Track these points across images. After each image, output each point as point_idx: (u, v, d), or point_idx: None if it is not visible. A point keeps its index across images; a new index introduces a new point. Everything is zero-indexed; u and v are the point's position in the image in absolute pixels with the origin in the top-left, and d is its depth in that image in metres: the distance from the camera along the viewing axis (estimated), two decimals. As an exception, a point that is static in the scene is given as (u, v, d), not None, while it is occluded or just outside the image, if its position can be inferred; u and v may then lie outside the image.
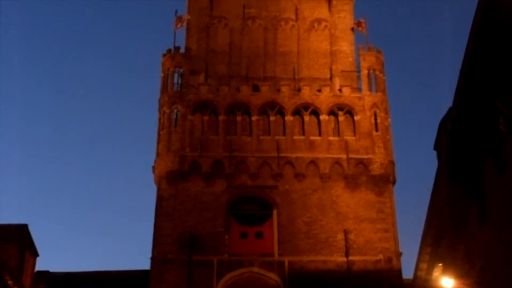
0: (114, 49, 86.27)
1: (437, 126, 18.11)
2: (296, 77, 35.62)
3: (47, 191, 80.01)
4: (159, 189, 32.63)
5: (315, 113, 33.86)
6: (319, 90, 34.45)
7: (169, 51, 35.49)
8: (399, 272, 30.79)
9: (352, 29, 37.06)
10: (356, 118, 33.65)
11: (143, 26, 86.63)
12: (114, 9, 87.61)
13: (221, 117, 33.71)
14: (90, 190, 79.77)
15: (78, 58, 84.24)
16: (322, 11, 37.69)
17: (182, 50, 35.57)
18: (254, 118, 33.75)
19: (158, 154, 33.28)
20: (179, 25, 35.86)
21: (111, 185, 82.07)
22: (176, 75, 35.00)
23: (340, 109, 33.86)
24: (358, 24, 36.43)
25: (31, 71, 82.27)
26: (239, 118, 33.80)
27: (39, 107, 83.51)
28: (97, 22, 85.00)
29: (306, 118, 33.78)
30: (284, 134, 33.49)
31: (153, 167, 33.20)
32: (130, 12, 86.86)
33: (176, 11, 36.51)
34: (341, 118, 33.71)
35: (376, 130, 33.40)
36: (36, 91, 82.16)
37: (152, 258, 31.03)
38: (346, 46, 36.77)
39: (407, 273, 29.16)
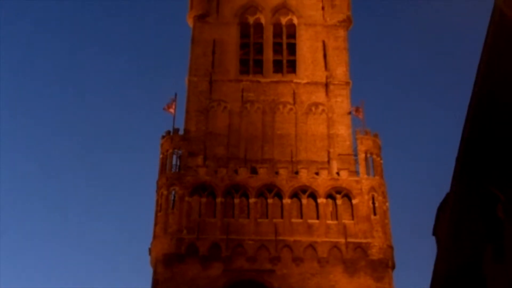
0: (114, 131, 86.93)
1: (435, 210, 18.03)
2: (293, 159, 35.77)
3: (44, 270, 78.81)
4: (155, 272, 32.15)
5: (313, 196, 33.81)
6: (317, 173, 34.53)
7: (168, 132, 35.83)
8: None
9: (349, 113, 37.53)
10: (354, 201, 33.58)
11: (143, 108, 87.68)
12: (114, 91, 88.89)
13: (218, 199, 33.63)
14: (87, 272, 78.42)
15: (77, 140, 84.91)
16: (319, 95, 38.22)
17: (181, 132, 35.94)
18: (251, 200, 33.67)
19: (155, 236, 32.98)
20: (171, 109, 36.37)
21: (107, 268, 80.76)
22: (174, 157, 35.20)
23: (338, 192, 33.83)
24: (356, 110, 36.98)
25: (25, 156, 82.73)
26: (237, 201, 33.70)
27: (36, 188, 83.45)
28: (97, 106, 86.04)
29: (304, 201, 33.69)
30: (282, 217, 33.31)
31: (150, 249, 32.84)
32: (129, 94, 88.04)
33: (176, 94, 37.21)
34: (339, 201, 33.63)
35: (375, 214, 33.25)
36: (31, 171, 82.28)
37: None
38: (343, 129, 37.08)
39: None
